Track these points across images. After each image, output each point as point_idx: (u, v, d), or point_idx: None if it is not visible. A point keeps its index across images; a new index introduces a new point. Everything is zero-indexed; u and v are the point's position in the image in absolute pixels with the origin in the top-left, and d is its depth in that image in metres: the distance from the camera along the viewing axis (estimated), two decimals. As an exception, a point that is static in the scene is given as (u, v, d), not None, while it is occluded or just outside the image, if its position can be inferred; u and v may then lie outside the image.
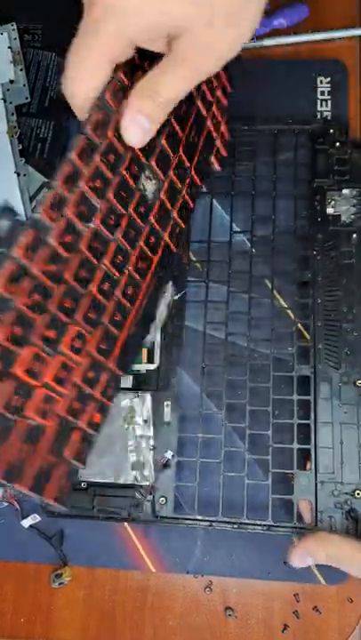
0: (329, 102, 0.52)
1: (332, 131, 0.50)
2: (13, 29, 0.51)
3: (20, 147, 0.50)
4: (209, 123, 0.40)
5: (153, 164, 0.36)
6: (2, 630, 0.45)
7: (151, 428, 0.45)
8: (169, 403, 0.46)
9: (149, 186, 0.36)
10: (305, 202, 0.49)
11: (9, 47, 0.51)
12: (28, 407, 0.29)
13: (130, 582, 0.46)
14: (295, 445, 0.44)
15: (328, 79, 0.52)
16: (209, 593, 0.45)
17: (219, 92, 0.40)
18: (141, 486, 0.44)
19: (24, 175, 0.49)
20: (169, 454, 0.45)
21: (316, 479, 0.44)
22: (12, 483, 0.29)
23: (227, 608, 0.45)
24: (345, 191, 0.48)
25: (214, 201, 0.49)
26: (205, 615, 0.45)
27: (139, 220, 0.35)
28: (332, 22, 0.53)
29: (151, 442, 0.45)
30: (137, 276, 0.36)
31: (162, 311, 0.44)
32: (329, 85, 0.52)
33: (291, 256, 0.48)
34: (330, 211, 0.48)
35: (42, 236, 0.29)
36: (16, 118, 0.50)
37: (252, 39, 0.52)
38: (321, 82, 0.52)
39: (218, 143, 0.40)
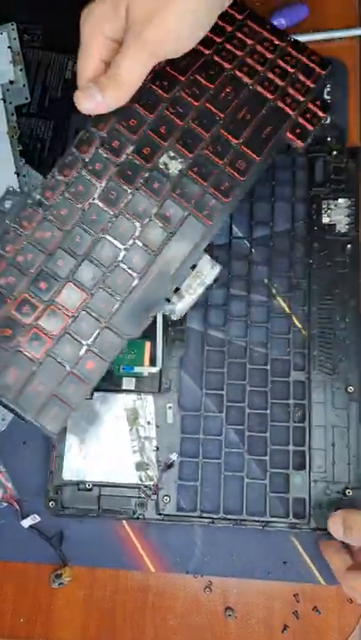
0: (329, 102, 0.52)
1: (329, 138, 0.50)
2: (13, 29, 0.51)
3: (20, 147, 0.50)
4: (278, 103, 0.42)
5: (177, 145, 0.40)
6: (2, 630, 0.46)
7: (154, 429, 0.45)
8: (171, 405, 0.46)
9: (174, 164, 0.40)
10: (303, 207, 0.49)
11: (9, 47, 0.51)
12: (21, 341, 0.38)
13: (130, 582, 0.46)
14: (291, 447, 0.45)
15: (328, 79, 0.52)
16: (209, 593, 0.45)
17: (300, 76, 0.43)
18: (146, 486, 0.45)
19: (24, 175, 0.49)
20: (174, 456, 0.45)
21: (309, 478, 0.45)
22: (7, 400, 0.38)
23: (227, 608, 0.45)
24: (340, 201, 0.49)
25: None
26: (206, 615, 0.45)
27: (151, 195, 0.39)
28: (331, 22, 0.53)
29: (154, 443, 0.45)
30: (147, 247, 0.39)
31: (190, 284, 0.43)
32: (329, 85, 0.52)
33: (289, 262, 0.48)
34: (325, 220, 0.49)
35: (39, 210, 0.39)
36: (16, 119, 0.50)
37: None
38: (321, 82, 0.52)
39: (300, 120, 0.42)
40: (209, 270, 0.44)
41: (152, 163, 0.40)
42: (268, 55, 0.43)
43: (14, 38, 0.51)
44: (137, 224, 0.39)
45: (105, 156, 0.39)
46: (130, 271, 0.39)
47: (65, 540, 0.46)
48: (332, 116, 0.51)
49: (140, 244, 0.39)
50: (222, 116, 0.41)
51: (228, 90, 0.41)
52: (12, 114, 0.50)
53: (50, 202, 0.39)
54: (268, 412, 0.46)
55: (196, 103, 0.41)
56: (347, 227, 0.48)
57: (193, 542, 0.46)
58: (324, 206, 0.49)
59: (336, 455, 0.45)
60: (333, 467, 0.45)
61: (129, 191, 0.39)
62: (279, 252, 0.48)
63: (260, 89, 0.42)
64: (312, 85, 0.43)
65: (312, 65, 0.43)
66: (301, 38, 0.52)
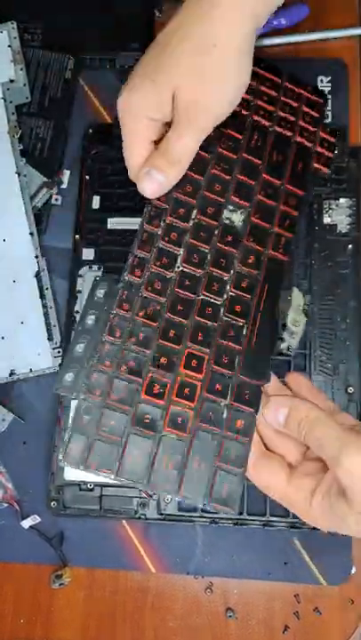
0: (329, 101, 0.51)
1: None
2: (13, 28, 0.51)
3: (21, 147, 0.50)
4: (298, 139, 0.46)
5: (233, 198, 0.42)
6: (2, 631, 0.45)
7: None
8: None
9: (236, 216, 0.42)
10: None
11: (9, 46, 0.51)
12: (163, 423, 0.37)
13: (130, 583, 0.46)
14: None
15: (328, 78, 0.52)
16: (210, 594, 0.45)
17: (305, 109, 0.46)
18: None
19: (24, 175, 0.49)
20: None
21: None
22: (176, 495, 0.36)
23: (227, 609, 0.45)
24: (341, 200, 0.49)
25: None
26: (206, 616, 0.45)
27: (228, 248, 0.41)
28: (332, 21, 0.53)
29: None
30: (243, 294, 0.41)
31: (294, 318, 0.45)
32: (329, 85, 0.52)
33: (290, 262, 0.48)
34: (327, 220, 0.49)
35: (133, 290, 0.39)
36: (16, 118, 0.50)
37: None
38: (321, 81, 0.52)
39: (319, 149, 0.46)
40: (302, 299, 0.46)
41: (218, 220, 0.42)
42: (273, 93, 0.46)
43: (14, 37, 0.51)
44: (225, 277, 0.41)
45: (175, 224, 0.41)
46: (237, 321, 0.40)
47: (65, 540, 0.46)
48: (333, 116, 0.51)
49: (235, 294, 0.41)
50: (260, 162, 0.44)
51: (255, 137, 0.44)
52: (13, 113, 0.50)
53: (141, 280, 0.40)
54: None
55: (235, 156, 0.44)
56: (348, 227, 0.48)
57: (193, 543, 0.45)
58: (325, 206, 0.49)
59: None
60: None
61: (207, 250, 0.41)
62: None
63: (279, 129, 0.45)
64: (316, 115, 0.46)
65: (311, 96, 0.47)
66: (302, 38, 0.53)
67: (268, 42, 0.52)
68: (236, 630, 0.45)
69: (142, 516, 0.45)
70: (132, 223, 0.49)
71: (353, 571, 0.45)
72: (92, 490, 0.45)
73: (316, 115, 0.46)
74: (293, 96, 0.46)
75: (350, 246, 0.48)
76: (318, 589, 0.45)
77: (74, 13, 0.53)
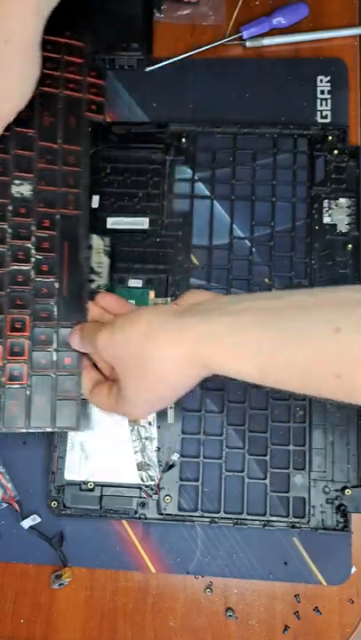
0: (329, 101, 0.52)
1: (330, 137, 0.50)
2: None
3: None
4: (65, 92, 0.47)
5: (16, 173, 0.46)
6: (2, 631, 0.45)
7: (155, 429, 0.45)
8: (172, 405, 0.46)
9: (24, 188, 0.46)
10: (304, 206, 0.49)
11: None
12: None
13: (130, 583, 0.46)
14: (291, 447, 0.46)
15: (328, 78, 0.52)
16: (210, 594, 0.45)
17: (66, 57, 0.47)
18: (147, 486, 0.45)
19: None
20: (175, 456, 0.45)
21: (309, 477, 0.45)
22: None
23: (227, 609, 0.45)
24: (341, 200, 0.49)
25: (215, 203, 0.49)
26: (206, 616, 0.45)
27: (24, 219, 0.45)
28: (331, 21, 0.53)
29: (155, 443, 0.45)
30: (48, 254, 0.45)
31: (97, 260, 0.48)
32: (329, 84, 0.52)
33: (290, 262, 0.48)
34: (326, 219, 0.49)
35: None
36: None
37: (251, 39, 0.52)
38: (321, 81, 0.52)
39: (89, 97, 0.47)
40: (102, 242, 0.48)
41: (8, 197, 0.45)
42: None
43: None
44: (28, 244, 0.45)
45: None
46: (47, 278, 0.45)
47: (65, 540, 0.46)
48: (333, 116, 0.51)
49: (42, 257, 0.45)
50: (34, 131, 0.46)
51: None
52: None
53: None
54: (269, 411, 0.46)
55: (8, 133, 0.45)
56: (348, 226, 0.48)
57: (194, 543, 0.45)
58: (325, 206, 0.49)
59: (336, 455, 0.45)
60: (333, 466, 0.45)
61: (6, 226, 0.45)
62: (280, 251, 0.48)
63: (45, 89, 0.47)
64: (80, 61, 0.47)
65: (70, 41, 0.48)
66: (301, 38, 0.53)
67: (268, 42, 0.52)
68: (237, 630, 0.45)
69: (142, 516, 0.45)
70: (131, 222, 0.49)
71: (353, 571, 0.45)
72: (92, 490, 0.45)
73: (79, 60, 0.47)
74: (54, 49, 0.47)
75: (350, 246, 0.48)
76: (318, 589, 0.45)
77: (74, 13, 0.53)
